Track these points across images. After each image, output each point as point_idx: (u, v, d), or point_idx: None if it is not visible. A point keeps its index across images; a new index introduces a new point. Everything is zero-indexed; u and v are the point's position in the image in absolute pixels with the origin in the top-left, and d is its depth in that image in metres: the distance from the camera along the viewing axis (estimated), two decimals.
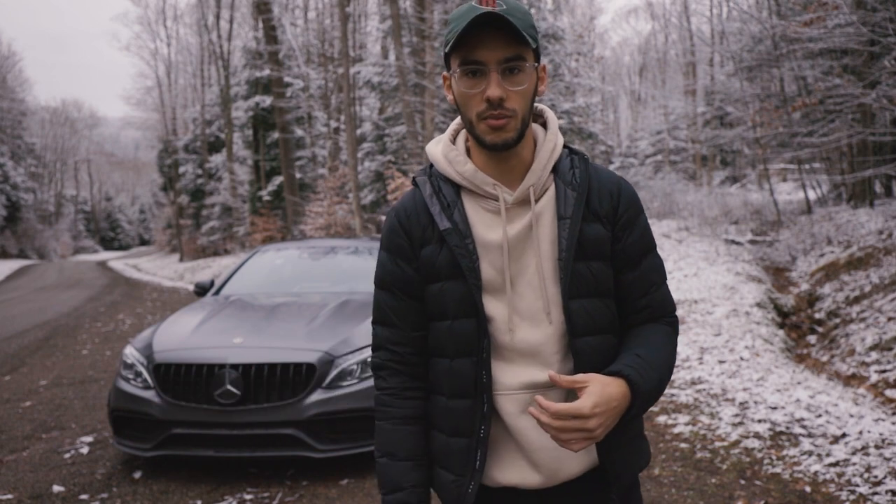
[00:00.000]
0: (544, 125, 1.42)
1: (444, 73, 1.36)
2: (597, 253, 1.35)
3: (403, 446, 1.39)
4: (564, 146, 1.42)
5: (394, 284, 1.41)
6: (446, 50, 1.29)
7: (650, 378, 1.28)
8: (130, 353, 4.40)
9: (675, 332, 1.42)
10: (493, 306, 1.34)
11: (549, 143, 1.38)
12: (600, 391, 1.21)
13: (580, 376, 1.22)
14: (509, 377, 1.33)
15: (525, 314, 1.33)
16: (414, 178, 1.44)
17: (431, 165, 1.43)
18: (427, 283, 1.38)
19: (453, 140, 1.43)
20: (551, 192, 1.36)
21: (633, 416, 1.27)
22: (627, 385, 1.25)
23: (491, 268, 1.33)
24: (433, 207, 1.36)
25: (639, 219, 1.40)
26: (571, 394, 1.33)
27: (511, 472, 1.36)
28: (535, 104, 1.40)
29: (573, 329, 1.32)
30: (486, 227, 1.34)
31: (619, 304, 1.40)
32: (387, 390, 1.42)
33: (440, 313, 1.37)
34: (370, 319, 4.32)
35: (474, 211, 1.36)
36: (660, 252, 9.41)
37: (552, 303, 1.33)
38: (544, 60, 18.95)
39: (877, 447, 4.03)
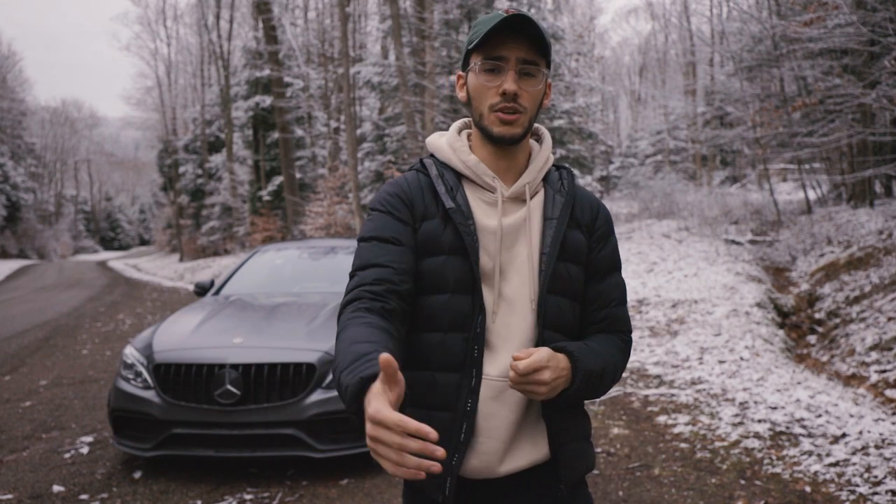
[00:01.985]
0: (539, 142, 1.54)
1: (460, 72, 1.47)
2: (575, 257, 1.46)
3: (373, 337, 1.20)
4: (553, 163, 1.54)
5: (390, 235, 1.37)
6: (470, 47, 1.40)
7: (593, 362, 1.37)
8: (130, 353, 4.40)
9: (626, 348, 1.51)
10: (483, 290, 1.41)
11: (545, 154, 1.50)
12: (550, 352, 1.31)
13: (530, 350, 1.30)
14: (487, 362, 1.39)
15: (508, 300, 1.41)
16: (421, 160, 1.51)
17: (432, 155, 1.53)
18: (425, 256, 1.39)
19: (458, 134, 1.52)
20: (541, 195, 1.48)
21: (573, 392, 1.35)
22: (569, 360, 1.34)
23: (484, 253, 1.41)
24: (439, 187, 1.43)
25: (611, 237, 1.52)
26: None
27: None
28: (535, 125, 1.52)
29: (545, 321, 1.41)
30: (484, 214, 1.43)
31: (580, 312, 1.50)
32: (353, 311, 1.29)
33: (438, 287, 1.38)
34: None
35: (473, 199, 1.45)
36: (660, 251, 9.35)
37: (535, 293, 1.41)
38: None
39: (877, 447, 4.03)
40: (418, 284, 1.39)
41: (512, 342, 1.40)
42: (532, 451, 1.41)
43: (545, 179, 1.49)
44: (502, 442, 1.38)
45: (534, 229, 1.43)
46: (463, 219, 1.39)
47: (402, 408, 1.07)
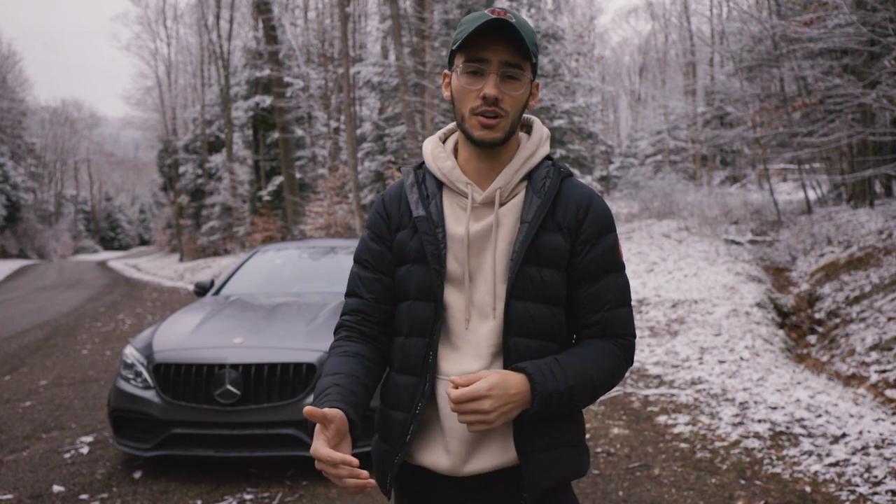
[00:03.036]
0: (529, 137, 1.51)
1: (446, 70, 1.46)
2: (551, 261, 1.40)
3: (342, 368, 1.40)
4: (549, 158, 1.49)
5: (368, 260, 1.51)
6: (454, 47, 1.39)
7: (557, 381, 1.34)
8: (130, 353, 4.40)
9: (623, 356, 1.45)
10: (452, 295, 1.42)
11: (526, 152, 1.45)
12: (499, 378, 1.30)
13: (479, 373, 1.31)
14: (450, 364, 1.41)
15: (477, 306, 1.42)
16: (400, 168, 1.50)
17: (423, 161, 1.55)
18: (397, 264, 1.48)
19: (444, 140, 1.54)
20: (520, 197, 1.44)
21: (532, 414, 1.33)
22: (528, 382, 1.32)
23: (455, 260, 1.42)
24: (411, 196, 1.47)
25: (604, 237, 1.44)
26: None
27: (428, 454, 1.43)
28: (527, 116, 1.51)
29: (508, 327, 1.39)
30: (456, 221, 1.44)
31: (572, 317, 1.46)
32: (337, 340, 1.50)
33: (404, 294, 1.46)
34: None
35: (449, 205, 1.45)
36: (660, 251, 9.28)
37: (498, 299, 1.40)
38: (545, 61, 18.96)
39: (877, 447, 4.03)
40: (394, 292, 1.49)
41: (478, 348, 1.40)
42: (499, 455, 1.40)
43: (529, 179, 1.45)
44: (466, 443, 1.39)
45: (502, 235, 1.41)
46: (430, 227, 1.41)
47: (355, 436, 1.30)
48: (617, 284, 1.45)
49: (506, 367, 1.39)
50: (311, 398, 3.95)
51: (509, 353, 1.38)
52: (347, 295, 1.53)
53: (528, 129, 1.52)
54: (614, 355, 1.43)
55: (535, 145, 1.46)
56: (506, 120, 1.37)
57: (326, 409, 1.24)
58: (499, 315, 1.40)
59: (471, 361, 1.40)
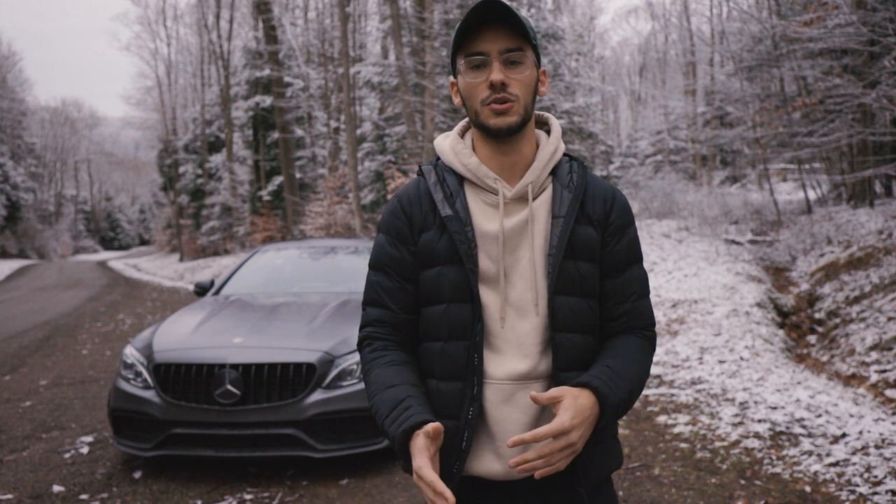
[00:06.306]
0: (549, 133, 1.49)
1: (452, 79, 1.44)
2: (586, 254, 1.41)
3: (399, 377, 1.37)
4: (565, 153, 1.48)
5: (389, 266, 1.45)
6: (452, 49, 1.38)
7: (619, 389, 1.33)
8: (130, 352, 4.40)
9: (651, 347, 1.48)
10: (486, 294, 1.39)
11: (551, 147, 1.44)
12: (573, 403, 1.25)
13: (555, 391, 1.27)
14: (495, 366, 1.38)
15: (515, 304, 1.38)
16: (420, 167, 1.50)
17: (438, 158, 1.50)
18: (423, 267, 1.42)
19: (462, 136, 1.50)
20: (548, 192, 1.43)
21: (603, 425, 1.33)
22: (595, 396, 1.29)
23: (487, 257, 1.39)
24: (437, 195, 1.42)
25: (628, 229, 1.46)
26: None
27: (478, 462, 1.39)
28: (542, 113, 1.49)
29: (555, 323, 1.37)
30: (485, 218, 1.40)
31: (599, 309, 1.45)
32: (373, 351, 1.45)
33: (435, 297, 1.41)
34: None
35: (475, 202, 1.42)
36: (660, 251, 9.32)
37: (540, 296, 1.38)
38: (544, 60, 18.96)
39: (877, 447, 4.03)
40: (419, 296, 1.44)
41: (521, 347, 1.37)
42: None
43: (554, 174, 1.44)
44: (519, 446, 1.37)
45: (538, 230, 1.39)
46: (460, 226, 1.37)
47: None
48: (640, 275, 1.47)
49: (555, 364, 1.36)
50: (311, 398, 3.96)
51: (558, 348, 1.37)
52: (368, 304, 1.48)
53: (545, 127, 1.51)
54: (645, 348, 1.45)
55: (556, 141, 1.46)
56: (518, 103, 1.35)
57: (436, 423, 1.23)
58: (542, 311, 1.38)
59: (516, 361, 1.37)
